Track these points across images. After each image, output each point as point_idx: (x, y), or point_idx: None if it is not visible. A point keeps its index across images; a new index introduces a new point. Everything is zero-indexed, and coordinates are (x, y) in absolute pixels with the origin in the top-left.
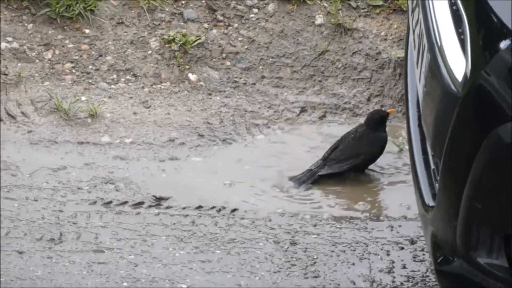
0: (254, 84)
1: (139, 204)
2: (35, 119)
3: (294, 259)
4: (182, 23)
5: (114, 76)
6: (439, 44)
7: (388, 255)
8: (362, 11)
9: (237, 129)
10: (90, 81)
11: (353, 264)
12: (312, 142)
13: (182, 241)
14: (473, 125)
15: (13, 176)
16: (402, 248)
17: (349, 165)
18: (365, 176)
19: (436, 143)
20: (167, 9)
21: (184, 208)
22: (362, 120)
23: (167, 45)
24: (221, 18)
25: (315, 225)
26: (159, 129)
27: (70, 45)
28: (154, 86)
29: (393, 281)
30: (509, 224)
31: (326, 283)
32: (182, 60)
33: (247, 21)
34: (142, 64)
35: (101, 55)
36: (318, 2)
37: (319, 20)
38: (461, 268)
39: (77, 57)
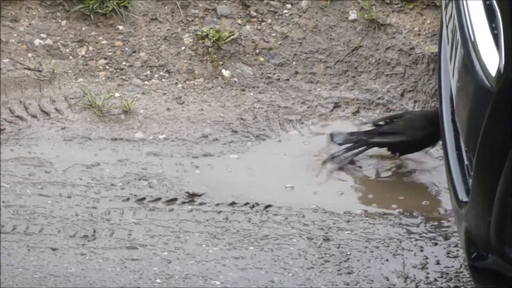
0: (287, 79)
1: (173, 200)
2: (68, 116)
3: (328, 255)
4: (215, 19)
5: (148, 72)
6: (473, 39)
7: (421, 251)
8: (396, 6)
9: (270, 125)
10: (123, 77)
11: (387, 260)
12: None
13: (216, 237)
14: (507, 120)
15: (47, 172)
16: (436, 244)
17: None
18: (398, 170)
19: (470, 138)
20: (200, 5)
21: (217, 204)
22: None
23: (200, 41)
24: (254, 14)
25: (348, 221)
26: (192, 125)
27: (104, 42)
28: (187, 82)
29: (427, 277)
30: None
31: (360, 279)
32: (215, 56)
33: (280, 16)
34: (175, 60)
35: (134, 51)
36: None
37: (353, 15)
38: (495, 264)
39: (110, 54)
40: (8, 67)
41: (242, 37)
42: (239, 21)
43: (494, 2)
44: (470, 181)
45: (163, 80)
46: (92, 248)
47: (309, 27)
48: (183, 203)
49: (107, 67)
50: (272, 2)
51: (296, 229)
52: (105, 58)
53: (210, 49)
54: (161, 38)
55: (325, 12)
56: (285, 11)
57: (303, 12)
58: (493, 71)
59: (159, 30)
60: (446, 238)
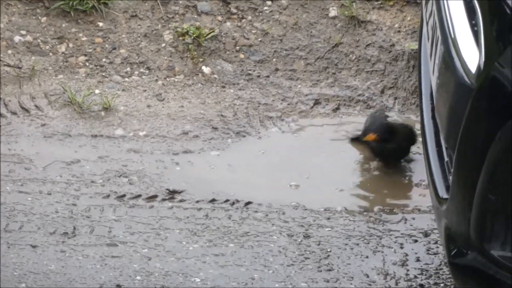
0: (267, 76)
1: (153, 197)
2: (48, 112)
3: (308, 252)
4: (195, 16)
5: (128, 69)
6: (453, 36)
7: (401, 248)
8: (376, 3)
9: (250, 121)
10: (103, 74)
11: (367, 257)
12: (325, 134)
13: (196, 234)
14: (486, 116)
15: (27, 169)
16: (416, 241)
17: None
18: (380, 169)
19: (450, 135)
20: (180, 2)
21: (197, 201)
22: None
23: (181, 38)
24: (234, 10)
25: (328, 218)
26: (172, 122)
27: (84, 38)
28: (167, 79)
29: (407, 274)
30: None
31: (340, 276)
32: (195, 53)
33: (260, 13)
34: (155, 57)
35: (114, 48)
36: None
37: (333, 12)
38: (475, 261)
39: (90, 50)
40: None
41: (222, 34)
42: (220, 18)
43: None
44: (450, 178)
45: (144, 77)
46: (72, 245)
47: (290, 24)
48: (163, 200)
49: (87, 64)
50: None
51: (277, 226)
52: (85, 55)
53: (190, 46)
54: (141, 35)
55: (306, 9)
56: (266, 8)
57: (284, 9)
58: (473, 68)
59: (139, 27)
60: (426, 235)
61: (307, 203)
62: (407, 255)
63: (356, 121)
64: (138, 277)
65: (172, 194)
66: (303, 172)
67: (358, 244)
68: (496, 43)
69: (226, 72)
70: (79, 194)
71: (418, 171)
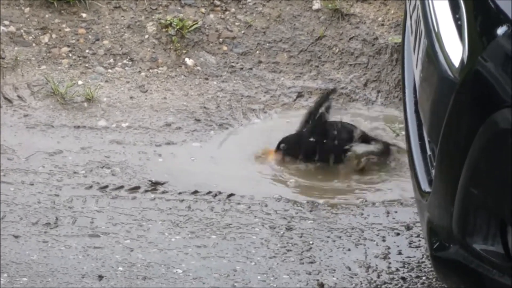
0: (250, 69)
1: (135, 188)
2: (31, 103)
3: (290, 245)
4: (179, 8)
5: (111, 60)
6: (436, 30)
7: (383, 241)
8: None
9: (233, 113)
10: (86, 65)
11: (349, 249)
12: None
13: (178, 226)
14: (470, 111)
15: (9, 160)
16: (398, 234)
17: None
18: (363, 162)
19: (433, 129)
20: None
21: (180, 193)
22: (358, 105)
23: (164, 30)
24: (218, 2)
25: (311, 211)
26: (155, 113)
27: (67, 29)
28: (151, 71)
29: (389, 267)
30: (505, 210)
31: (322, 268)
32: (179, 44)
33: (244, 5)
34: (139, 49)
35: (98, 39)
36: None
37: (317, 5)
38: (457, 254)
39: (74, 41)
40: None
41: (205, 26)
42: (203, 10)
43: None
44: (433, 171)
45: (127, 68)
46: (55, 236)
47: (273, 16)
48: (146, 191)
49: (70, 55)
50: None
51: (259, 218)
52: (68, 46)
53: (173, 38)
54: (124, 26)
55: (289, 1)
56: (249, 0)
57: (267, 1)
58: (456, 62)
59: (122, 18)
60: (408, 228)
61: (289, 195)
62: (389, 248)
63: (339, 114)
64: (120, 268)
65: (154, 185)
66: (286, 164)
67: (340, 237)
68: (480, 37)
69: (209, 64)
70: (61, 185)
71: (402, 165)
